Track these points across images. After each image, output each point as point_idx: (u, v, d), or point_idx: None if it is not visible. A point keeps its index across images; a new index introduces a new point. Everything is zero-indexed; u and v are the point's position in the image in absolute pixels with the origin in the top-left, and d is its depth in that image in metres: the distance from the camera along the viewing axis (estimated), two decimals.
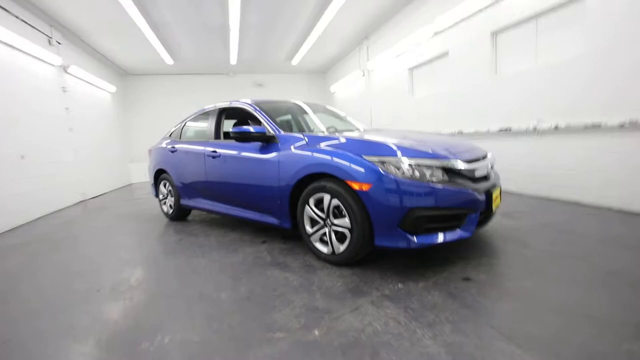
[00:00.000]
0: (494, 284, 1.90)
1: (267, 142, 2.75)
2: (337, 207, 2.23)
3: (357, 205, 2.08)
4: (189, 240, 3.24)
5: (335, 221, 2.24)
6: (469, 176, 2.18)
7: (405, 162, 2.03)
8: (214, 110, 3.64)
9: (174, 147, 3.94)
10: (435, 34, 5.53)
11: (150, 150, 4.57)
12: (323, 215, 2.32)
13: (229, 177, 3.13)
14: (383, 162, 2.04)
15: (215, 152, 3.26)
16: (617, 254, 2.23)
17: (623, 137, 3.18)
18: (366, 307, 1.71)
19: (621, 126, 3.14)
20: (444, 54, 5.53)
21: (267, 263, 2.47)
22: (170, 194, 4.05)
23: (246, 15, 6.10)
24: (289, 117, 3.49)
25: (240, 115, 3.43)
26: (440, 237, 2.01)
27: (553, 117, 3.82)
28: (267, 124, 2.86)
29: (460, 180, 2.10)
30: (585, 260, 2.16)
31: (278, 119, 2.97)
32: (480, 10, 4.63)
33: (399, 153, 2.07)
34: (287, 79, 11.64)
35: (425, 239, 1.98)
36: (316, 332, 1.52)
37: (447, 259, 2.30)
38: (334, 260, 2.31)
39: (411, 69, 6.55)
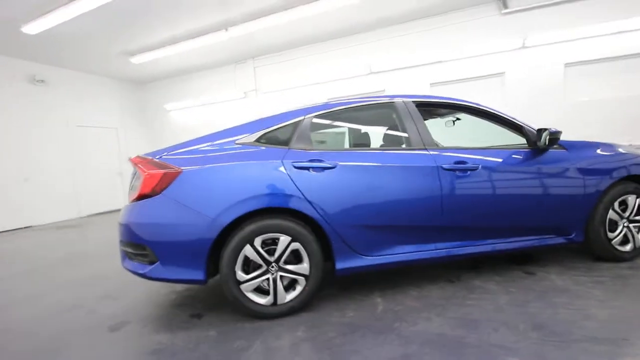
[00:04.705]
0: None
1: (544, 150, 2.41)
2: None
3: None
4: None
5: None
6: None
7: None
8: (401, 104, 2.38)
9: (318, 160, 2.02)
10: (372, 72, 6.26)
11: (173, 174, 1.87)
12: (625, 215, 2.41)
13: (498, 197, 2.24)
14: None
15: (464, 162, 2.19)
16: None
17: None
18: None
19: None
20: (380, 91, 6.35)
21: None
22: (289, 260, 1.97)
23: None
24: None
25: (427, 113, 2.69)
26: None
27: None
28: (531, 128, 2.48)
29: None
30: None
31: None
32: (420, 65, 5.95)
33: None
34: (85, 81, 7.68)
35: None
36: None
37: None
38: None
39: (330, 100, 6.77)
